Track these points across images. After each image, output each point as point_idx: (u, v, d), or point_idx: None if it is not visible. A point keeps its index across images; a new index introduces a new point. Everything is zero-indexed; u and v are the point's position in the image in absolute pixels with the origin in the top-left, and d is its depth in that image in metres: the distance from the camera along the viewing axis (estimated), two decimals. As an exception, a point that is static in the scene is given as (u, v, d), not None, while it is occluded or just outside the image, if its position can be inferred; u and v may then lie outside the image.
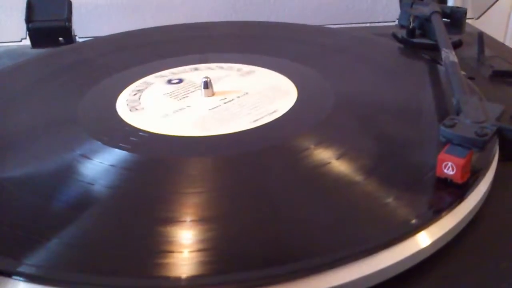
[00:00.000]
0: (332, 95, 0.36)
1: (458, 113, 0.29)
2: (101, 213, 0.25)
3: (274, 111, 0.34)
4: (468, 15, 0.49)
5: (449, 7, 0.49)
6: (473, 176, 0.26)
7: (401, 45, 0.47)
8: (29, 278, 0.21)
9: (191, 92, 0.38)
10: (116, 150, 0.30)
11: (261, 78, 0.40)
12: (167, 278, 0.21)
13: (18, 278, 0.21)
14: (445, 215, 0.24)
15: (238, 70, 0.42)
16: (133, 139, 0.31)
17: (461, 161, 0.25)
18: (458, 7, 0.48)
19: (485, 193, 0.27)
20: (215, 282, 0.21)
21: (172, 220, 0.24)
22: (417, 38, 0.47)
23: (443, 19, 0.45)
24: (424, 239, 0.23)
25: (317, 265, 0.21)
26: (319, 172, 0.27)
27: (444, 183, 0.26)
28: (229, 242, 0.23)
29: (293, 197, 0.26)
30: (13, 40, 0.59)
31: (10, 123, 0.35)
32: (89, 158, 0.29)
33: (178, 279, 0.21)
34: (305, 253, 0.22)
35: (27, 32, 0.54)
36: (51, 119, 0.35)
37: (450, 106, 0.33)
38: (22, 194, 0.27)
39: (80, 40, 0.56)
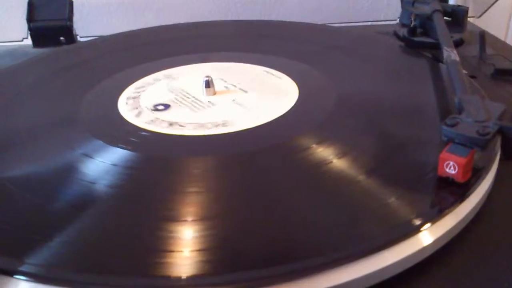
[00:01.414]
0: (333, 94, 0.36)
1: (459, 112, 0.28)
2: (102, 212, 0.25)
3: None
4: (469, 14, 0.49)
5: (451, 5, 0.49)
6: (475, 176, 0.26)
7: (403, 44, 0.47)
8: (31, 277, 0.21)
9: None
10: (118, 149, 0.30)
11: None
12: (168, 278, 0.21)
13: (20, 277, 0.21)
14: (447, 214, 0.24)
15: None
16: (135, 138, 0.31)
17: (463, 160, 0.25)
18: (459, 6, 0.48)
19: (486, 192, 0.27)
20: (215, 282, 0.21)
21: (173, 220, 0.24)
22: (418, 37, 0.47)
23: (445, 18, 0.45)
24: (425, 238, 0.23)
25: (318, 265, 0.21)
26: (321, 172, 0.27)
27: (446, 182, 0.26)
28: (229, 241, 0.23)
29: (294, 197, 0.26)
30: (15, 40, 0.59)
31: (12, 122, 0.35)
32: (90, 157, 0.29)
33: (179, 278, 0.21)
34: (306, 252, 0.22)
35: (29, 32, 0.54)
36: (52, 118, 0.35)
37: (451, 105, 0.33)
38: (23, 193, 0.27)
39: (82, 39, 0.56)
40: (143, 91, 0.38)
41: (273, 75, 0.40)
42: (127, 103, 0.36)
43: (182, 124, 0.33)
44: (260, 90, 0.37)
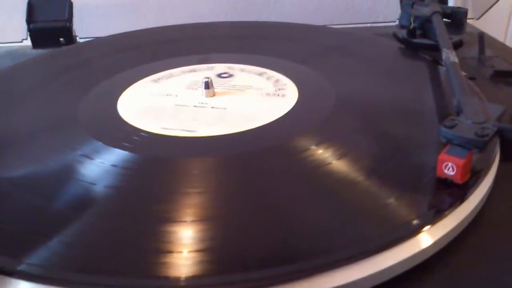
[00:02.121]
0: (332, 95, 0.36)
1: (458, 113, 0.28)
2: (102, 213, 0.25)
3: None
4: (468, 15, 0.49)
5: (450, 7, 0.49)
6: (474, 177, 0.26)
7: (402, 45, 0.47)
8: (30, 277, 0.21)
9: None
10: (117, 150, 0.30)
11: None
12: (167, 278, 0.21)
13: (19, 277, 0.21)
14: (446, 215, 0.24)
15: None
16: (134, 139, 0.31)
17: (461, 162, 0.25)
18: (458, 7, 0.48)
19: (486, 193, 0.27)
20: (214, 282, 0.21)
21: (172, 220, 0.24)
22: (417, 38, 0.47)
23: (444, 19, 0.45)
24: (425, 240, 0.23)
25: (318, 266, 0.21)
26: (320, 173, 0.27)
27: (445, 183, 0.26)
28: (229, 242, 0.23)
29: (294, 198, 0.26)
30: (14, 41, 0.59)
31: (11, 123, 0.35)
32: (90, 158, 0.29)
33: (178, 279, 0.21)
34: (305, 253, 0.22)
35: (28, 33, 0.55)
36: (52, 119, 0.35)
37: (450, 107, 0.33)
38: (23, 194, 0.27)
39: (81, 40, 0.56)
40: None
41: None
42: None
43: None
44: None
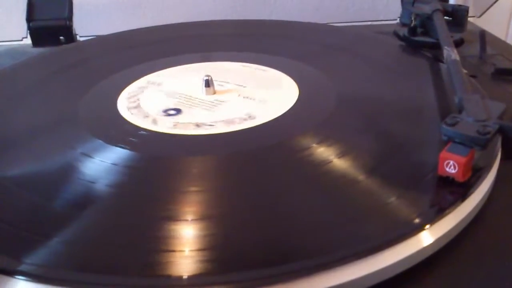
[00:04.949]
0: (333, 93, 0.36)
1: (460, 111, 0.28)
2: (102, 212, 0.25)
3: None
4: (470, 13, 0.49)
5: (451, 5, 0.49)
6: (475, 175, 0.26)
7: (403, 43, 0.47)
8: (30, 277, 0.21)
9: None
10: (118, 148, 0.30)
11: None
12: (168, 277, 0.21)
13: (19, 277, 0.21)
14: (447, 214, 0.24)
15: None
16: (135, 137, 0.31)
17: (463, 160, 0.25)
18: (460, 5, 0.48)
19: (487, 191, 0.27)
20: (216, 282, 0.21)
21: (173, 219, 0.24)
22: (418, 36, 0.47)
23: (445, 17, 0.45)
24: (426, 238, 0.23)
25: (318, 265, 0.21)
26: (321, 171, 0.27)
27: (446, 181, 0.26)
28: (230, 241, 0.23)
29: (295, 196, 0.26)
30: (14, 39, 0.59)
31: (11, 122, 0.35)
32: (90, 157, 0.29)
33: (179, 278, 0.21)
34: (305, 252, 0.22)
35: (28, 31, 0.54)
36: (52, 117, 0.35)
37: (452, 105, 0.33)
38: (23, 193, 0.27)
39: (81, 39, 0.56)
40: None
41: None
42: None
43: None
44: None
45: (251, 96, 0.36)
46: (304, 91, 0.36)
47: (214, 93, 0.37)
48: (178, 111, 0.35)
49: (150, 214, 0.25)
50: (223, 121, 0.33)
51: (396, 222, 0.24)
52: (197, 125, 0.32)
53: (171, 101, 0.36)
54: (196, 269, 0.21)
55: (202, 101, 0.36)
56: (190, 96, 0.37)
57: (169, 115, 0.34)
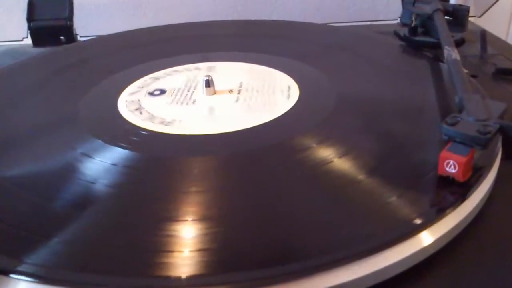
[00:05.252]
0: (333, 93, 0.36)
1: (460, 111, 0.28)
2: (102, 212, 0.25)
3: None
4: (470, 13, 0.48)
5: (452, 5, 0.48)
6: (476, 175, 0.26)
7: (403, 43, 0.47)
8: (29, 277, 0.21)
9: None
10: (118, 148, 0.30)
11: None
12: (168, 278, 0.21)
13: (19, 277, 0.21)
14: (448, 214, 0.24)
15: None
16: (135, 137, 0.31)
17: (463, 159, 0.25)
18: (460, 5, 0.48)
19: (487, 191, 0.27)
20: (215, 282, 0.21)
21: (173, 219, 0.24)
22: (419, 36, 0.47)
23: (446, 17, 0.45)
24: (426, 238, 0.23)
25: (318, 265, 0.21)
26: (321, 171, 0.27)
27: (446, 181, 0.26)
28: (230, 241, 0.23)
29: (295, 196, 0.26)
30: (15, 39, 0.59)
31: (11, 122, 0.35)
32: (90, 157, 0.29)
33: (179, 279, 0.21)
34: (306, 252, 0.22)
35: (29, 31, 0.54)
36: (52, 118, 0.35)
37: (452, 104, 0.33)
38: (23, 193, 0.27)
39: (82, 39, 0.56)
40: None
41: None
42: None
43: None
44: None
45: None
46: (305, 91, 0.36)
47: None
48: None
49: (150, 214, 0.25)
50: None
51: (396, 222, 0.24)
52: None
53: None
54: (195, 269, 0.21)
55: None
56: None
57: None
